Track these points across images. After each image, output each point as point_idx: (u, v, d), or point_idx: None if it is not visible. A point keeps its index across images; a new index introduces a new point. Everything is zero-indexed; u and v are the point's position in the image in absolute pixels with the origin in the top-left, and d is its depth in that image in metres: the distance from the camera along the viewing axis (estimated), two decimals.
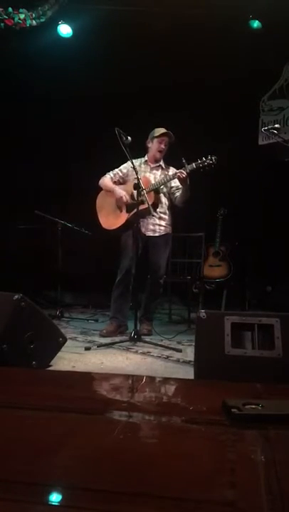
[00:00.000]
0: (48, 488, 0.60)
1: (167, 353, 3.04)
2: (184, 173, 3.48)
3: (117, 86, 4.90)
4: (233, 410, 0.83)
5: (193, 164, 3.48)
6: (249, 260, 4.99)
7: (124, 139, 3.21)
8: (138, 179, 3.31)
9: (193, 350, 1.72)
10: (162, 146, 3.78)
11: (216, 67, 4.62)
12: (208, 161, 3.45)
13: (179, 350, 3.08)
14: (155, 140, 3.79)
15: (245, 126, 5.07)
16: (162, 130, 3.77)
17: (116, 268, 3.75)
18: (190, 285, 4.49)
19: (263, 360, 1.56)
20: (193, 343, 1.73)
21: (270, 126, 3.35)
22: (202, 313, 1.69)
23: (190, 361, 2.59)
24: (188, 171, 3.49)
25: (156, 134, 3.77)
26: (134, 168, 3.34)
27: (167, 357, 2.95)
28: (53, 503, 0.57)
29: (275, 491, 0.58)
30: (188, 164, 3.49)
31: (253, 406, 0.85)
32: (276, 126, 3.40)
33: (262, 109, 5.21)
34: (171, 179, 3.63)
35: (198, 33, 4.26)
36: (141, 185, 3.33)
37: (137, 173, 3.33)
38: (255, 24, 4.48)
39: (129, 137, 3.23)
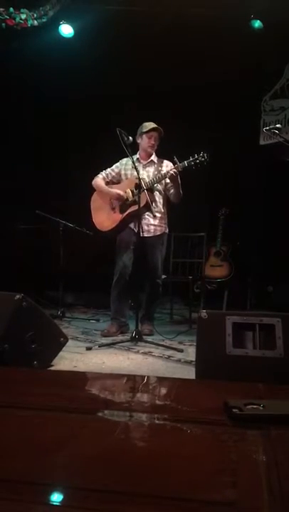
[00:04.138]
0: (49, 488, 0.60)
1: (168, 353, 3.04)
2: (176, 172, 3.44)
3: (118, 86, 4.90)
4: (234, 410, 0.83)
5: (185, 162, 3.45)
6: (250, 260, 4.99)
7: (126, 139, 3.20)
8: (139, 179, 3.30)
9: (195, 350, 1.72)
10: (152, 141, 3.66)
11: (217, 67, 4.62)
12: (200, 158, 3.42)
13: (180, 350, 3.07)
14: (144, 136, 3.68)
15: (247, 126, 5.06)
16: (151, 125, 3.65)
17: None
18: (191, 285, 4.48)
19: (265, 360, 1.56)
20: (195, 343, 1.73)
21: (271, 126, 3.34)
22: (203, 313, 1.68)
23: (191, 361, 2.59)
24: (180, 169, 3.46)
25: (145, 130, 3.66)
26: (135, 167, 3.34)
27: (168, 357, 2.95)
28: (54, 503, 0.57)
29: (277, 492, 0.58)
30: (180, 162, 3.46)
31: (255, 406, 0.85)
32: (277, 126, 3.40)
33: (263, 109, 5.21)
34: (164, 178, 3.57)
35: (199, 33, 4.25)
36: (142, 185, 3.32)
37: (138, 173, 3.32)
38: (257, 24, 4.48)
39: (130, 137, 3.23)
